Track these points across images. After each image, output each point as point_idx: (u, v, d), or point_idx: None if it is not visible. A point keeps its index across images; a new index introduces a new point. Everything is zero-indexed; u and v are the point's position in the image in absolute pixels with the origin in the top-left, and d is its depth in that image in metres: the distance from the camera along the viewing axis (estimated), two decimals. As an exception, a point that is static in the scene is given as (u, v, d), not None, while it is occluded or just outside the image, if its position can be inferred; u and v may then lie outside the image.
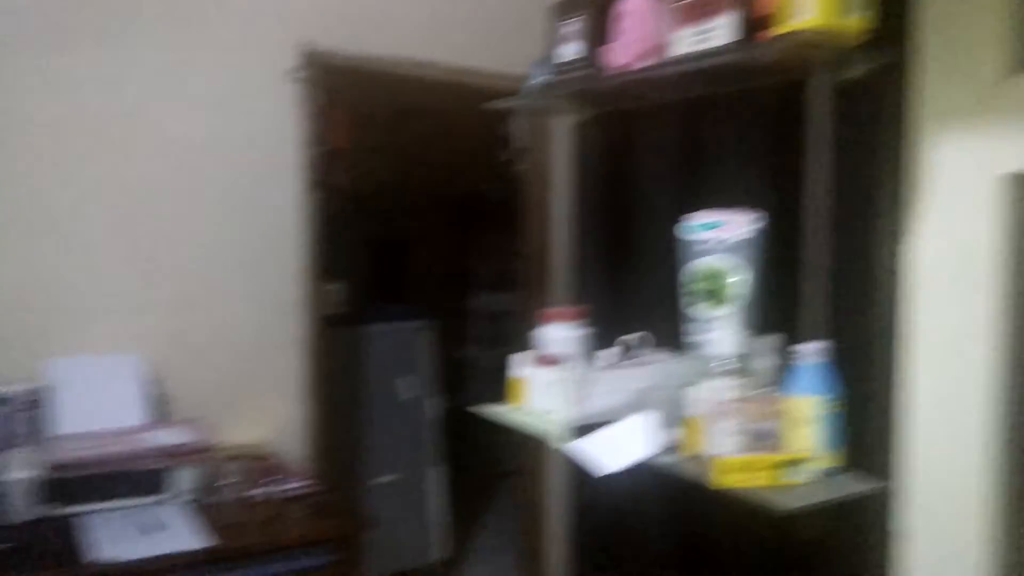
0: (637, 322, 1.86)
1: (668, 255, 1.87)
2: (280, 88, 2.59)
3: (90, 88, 2.33)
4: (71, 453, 2.00)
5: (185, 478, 2.12)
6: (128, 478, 2.05)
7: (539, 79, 1.92)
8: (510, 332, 5.20)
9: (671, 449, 1.37)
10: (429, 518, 3.50)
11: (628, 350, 1.65)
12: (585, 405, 1.46)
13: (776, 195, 1.66)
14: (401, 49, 2.77)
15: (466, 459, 4.81)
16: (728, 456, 1.26)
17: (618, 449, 1.41)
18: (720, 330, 1.36)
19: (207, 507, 2.09)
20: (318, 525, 2.05)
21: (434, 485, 3.51)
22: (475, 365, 5.09)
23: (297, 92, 2.60)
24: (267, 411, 2.64)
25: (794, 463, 1.24)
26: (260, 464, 2.39)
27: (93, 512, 2.01)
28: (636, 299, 2.05)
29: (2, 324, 2.25)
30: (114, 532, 1.92)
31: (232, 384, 2.58)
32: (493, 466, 5.15)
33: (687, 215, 1.59)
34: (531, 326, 3.16)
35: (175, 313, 2.48)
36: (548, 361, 1.71)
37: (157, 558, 1.80)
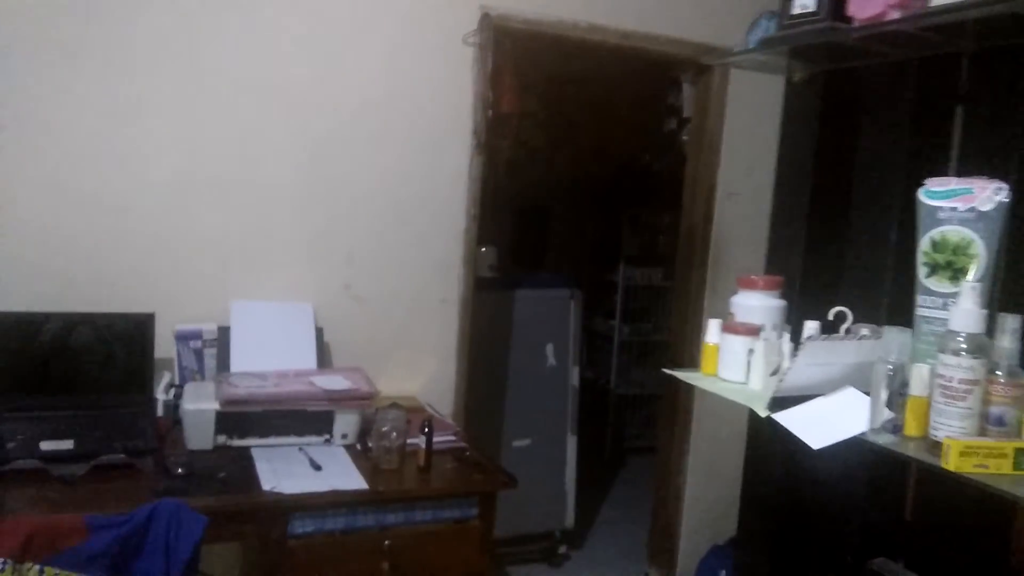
0: (847, 296, 1.79)
1: (890, 224, 1.79)
2: (456, 51, 2.62)
3: (276, 48, 2.45)
4: (248, 390, 2.14)
5: (349, 422, 2.22)
6: (297, 417, 2.18)
7: (760, 34, 1.81)
8: (652, 307, 5.16)
9: (886, 427, 1.29)
10: (563, 486, 3.53)
11: (838, 323, 1.57)
12: (789, 376, 1.40)
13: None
14: (575, 13, 2.74)
15: (597, 432, 4.84)
16: (962, 439, 1.17)
17: (829, 424, 1.34)
18: (957, 305, 1.26)
19: (366, 450, 2.19)
20: (467, 478, 2.11)
21: (571, 453, 3.53)
22: (610, 338, 5.06)
23: (472, 55, 2.63)
24: (422, 366, 2.73)
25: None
26: (415, 415, 2.48)
27: (264, 446, 2.15)
28: (849, 271, 1.95)
29: (197, 268, 2.44)
30: (283, 466, 2.04)
31: (391, 337, 2.68)
32: (621, 441, 5.15)
33: (924, 181, 1.47)
34: (690, 301, 3.10)
35: (344, 266, 2.59)
36: (746, 329, 1.65)
37: (322, 494, 1.90)
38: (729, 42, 2.97)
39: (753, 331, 1.65)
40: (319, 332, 2.51)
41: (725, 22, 2.98)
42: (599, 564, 3.56)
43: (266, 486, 1.89)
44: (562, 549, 3.56)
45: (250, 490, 1.87)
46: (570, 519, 3.55)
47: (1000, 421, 1.21)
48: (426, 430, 2.11)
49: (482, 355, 3.02)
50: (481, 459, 2.22)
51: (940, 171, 1.59)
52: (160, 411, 2.25)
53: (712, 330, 1.73)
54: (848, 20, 1.62)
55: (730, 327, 1.71)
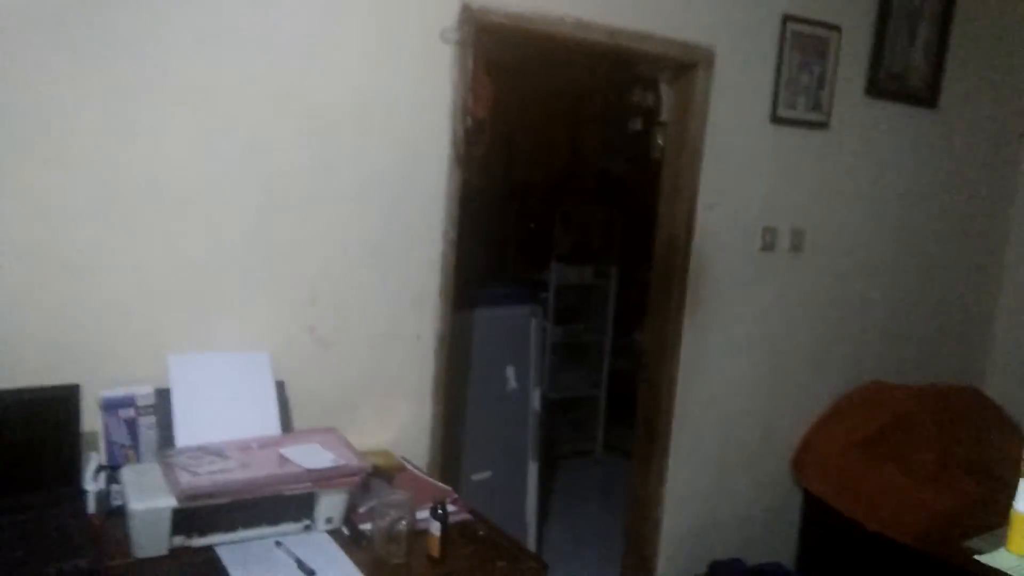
0: None
1: None
2: (432, 50, 2.23)
3: (229, 49, 1.97)
4: (212, 477, 1.71)
5: (335, 503, 1.84)
6: (271, 503, 1.77)
7: None
8: (583, 307, 4.94)
9: None
10: (524, 518, 3.26)
11: None
12: None
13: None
14: (562, 8, 2.40)
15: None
16: None
17: None
18: None
19: (356, 534, 1.82)
20: (490, 568, 1.78)
21: (532, 483, 3.26)
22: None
23: (451, 55, 2.24)
24: (395, 413, 2.36)
25: None
26: (403, 478, 2.12)
27: (233, 543, 1.74)
28: None
29: (125, 315, 1.94)
30: (263, 572, 1.65)
31: (361, 384, 2.29)
32: (551, 447, 4.91)
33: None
34: (669, 318, 2.86)
35: (305, 304, 2.17)
36: None
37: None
38: (715, 42, 2.77)
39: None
40: (280, 386, 2.08)
41: (712, 22, 2.76)
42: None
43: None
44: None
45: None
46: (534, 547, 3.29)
47: None
48: (439, 511, 1.76)
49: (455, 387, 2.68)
50: (498, 537, 1.90)
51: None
52: (92, 505, 1.77)
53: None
54: None
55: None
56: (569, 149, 4.70)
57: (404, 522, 1.75)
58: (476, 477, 3.11)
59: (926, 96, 3.42)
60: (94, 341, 1.91)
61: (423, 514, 1.86)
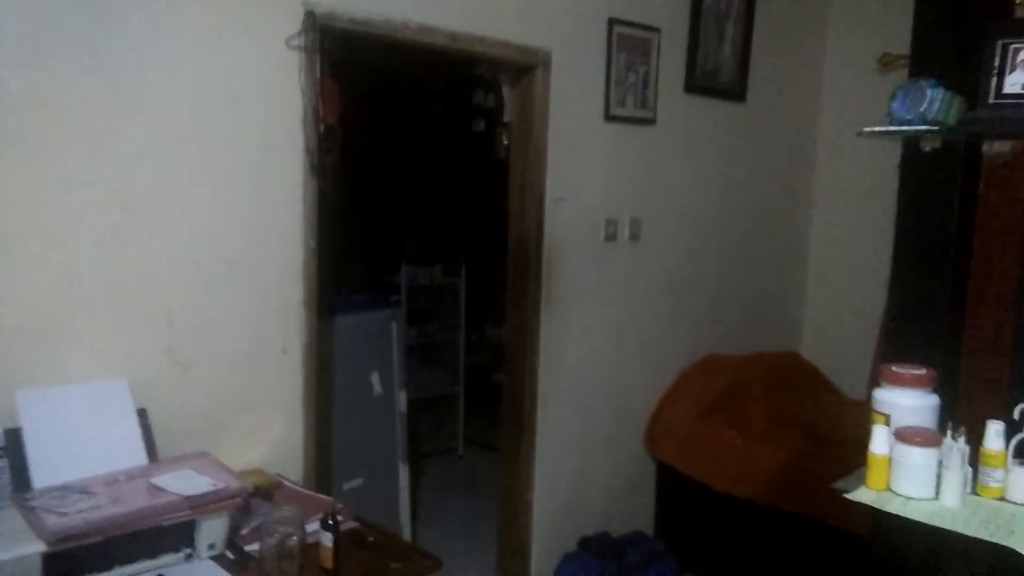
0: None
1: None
2: (277, 57, 2.19)
3: (62, 61, 1.85)
4: (83, 516, 1.61)
5: (216, 528, 1.79)
6: (148, 536, 1.69)
7: (928, 106, 1.69)
8: (434, 306, 4.98)
9: None
10: (399, 520, 3.27)
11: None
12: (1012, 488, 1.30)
13: None
14: (405, 13, 2.44)
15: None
16: None
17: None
18: None
19: (240, 557, 1.78)
20: (384, 571, 1.80)
21: (403, 484, 3.28)
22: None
23: (297, 61, 2.22)
24: (265, 430, 2.30)
25: None
26: (282, 494, 2.09)
27: (109, 582, 1.65)
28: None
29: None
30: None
31: (227, 404, 2.22)
32: (415, 447, 4.94)
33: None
34: (526, 313, 2.95)
35: (161, 325, 2.07)
36: (927, 439, 1.51)
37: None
38: (551, 45, 2.91)
39: (935, 440, 1.55)
40: (141, 414, 1.99)
41: (547, 26, 2.89)
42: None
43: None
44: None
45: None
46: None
47: None
48: (330, 522, 1.76)
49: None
50: (387, 540, 1.92)
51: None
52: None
53: (879, 439, 1.59)
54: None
55: (907, 436, 1.59)
56: (412, 152, 4.73)
57: (295, 537, 1.73)
58: (348, 485, 3.08)
59: (735, 91, 3.76)
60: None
61: (311, 527, 1.85)
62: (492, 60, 2.80)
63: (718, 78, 3.66)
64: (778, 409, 3.61)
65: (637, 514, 3.58)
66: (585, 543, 3.30)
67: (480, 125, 3.27)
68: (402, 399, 3.27)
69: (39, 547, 1.54)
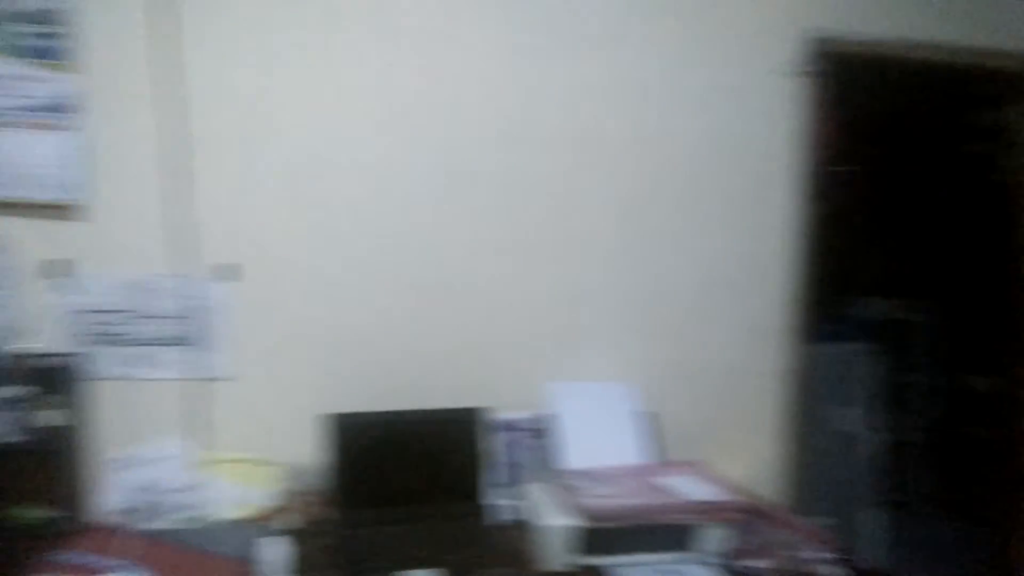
0: None
1: None
2: (777, 83, 2.24)
3: (586, 97, 2.14)
4: (614, 501, 1.82)
5: (717, 537, 1.87)
6: (656, 532, 1.84)
7: None
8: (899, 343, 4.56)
9: None
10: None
11: None
12: None
13: None
14: (915, 31, 2.31)
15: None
16: None
17: None
18: None
19: (742, 574, 1.83)
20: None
21: (877, 530, 3.07)
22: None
23: (796, 87, 2.24)
24: (748, 447, 2.35)
25: None
26: (773, 516, 2.11)
27: (618, 565, 1.83)
28: None
29: (507, 347, 2.15)
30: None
31: (717, 416, 2.32)
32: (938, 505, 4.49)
33: None
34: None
35: (666, 338, 2.25)
36: None
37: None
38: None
39: None
40: (651, 417, 2.18)
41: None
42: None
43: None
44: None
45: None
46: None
47: None
48: (842, 555, 1.72)
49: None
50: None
51: None
52: (490, 518, 1.96)
53: None
54: None
55: None
56: (891, 174, 4.43)
57: (799, 564, 1.73)
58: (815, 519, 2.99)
59: None
60: (479, 366, 2.13)
61: (806, 555, 1.83)
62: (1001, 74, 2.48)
63: None
64: None
65: None
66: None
67: (977, 145, 2.91)
68: (873, 439, 3.07)
69: (579, 522, 1.77)
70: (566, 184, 2.15)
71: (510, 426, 2.09)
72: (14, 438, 1.78)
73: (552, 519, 1.80)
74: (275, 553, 1.69)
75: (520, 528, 1.90)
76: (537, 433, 2.10)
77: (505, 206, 2.11)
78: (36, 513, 1.88)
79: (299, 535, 1.79)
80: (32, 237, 1.83)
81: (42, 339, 1.86)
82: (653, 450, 2.13)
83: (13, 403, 1.78)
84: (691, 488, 1.91)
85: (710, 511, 1.85)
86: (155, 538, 1.75)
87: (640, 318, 2.23)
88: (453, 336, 2.12)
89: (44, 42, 1.74)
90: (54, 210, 1.82)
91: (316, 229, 1.99)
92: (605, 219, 2.19)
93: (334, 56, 1.93)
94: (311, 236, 1.99)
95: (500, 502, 1.98)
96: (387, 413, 1.95)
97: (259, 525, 1.83)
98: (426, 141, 2.03)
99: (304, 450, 1.98)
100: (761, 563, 1.80)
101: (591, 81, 2.12)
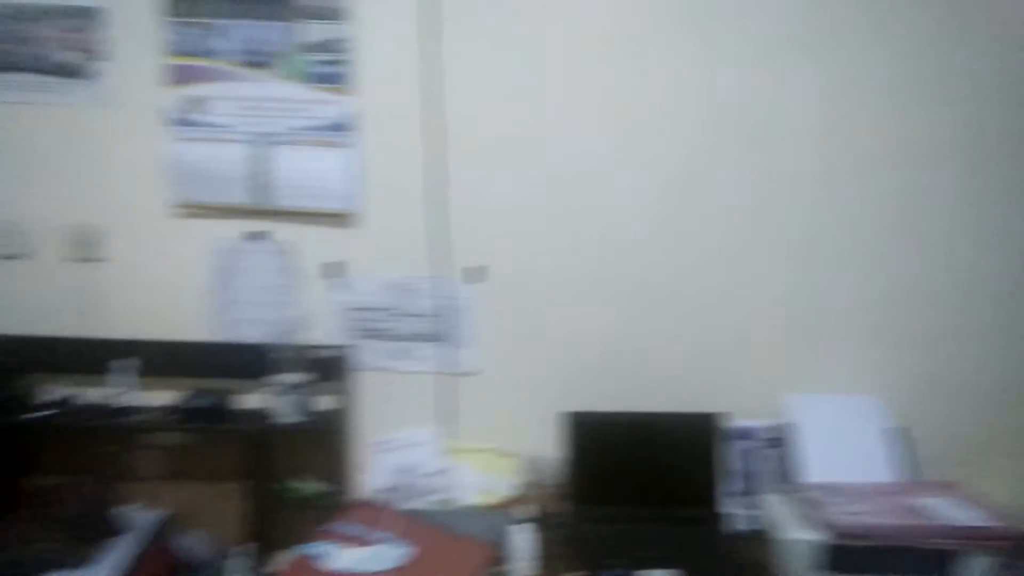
0: None
1: None
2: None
3: (840, 92, 2.05)
4: (850, 516, 1.74)
5: (979, 566, 1.73)
6: (912, 555, 1.73)
7: None
8: None
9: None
10: None
11: None
12: None
13: None
14: None
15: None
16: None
17: None
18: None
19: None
20: None
21: None
22: None
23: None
24: (1014, 470, 2.14)
25: None
26: None
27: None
28: None
29: (739, 354, 2.12)
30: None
31: (975, 436, 2.13)
32: None
33: None
34: None
35: (919, 350, 2.11)
36: None
37: None
38: None
39: None
40: (902, 432, 2.05)
41: None
42: None
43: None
44: None
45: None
46: None
47: None
48: None
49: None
50: None
51: None
52: (727, 527, 1.95)
53: None
54: None
55: None
56: None
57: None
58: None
59: None
60: (720, 373, 2.12)
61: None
62: None
63: None
64: None
65: None
66: None
67: None
68: None
69: (823, 537, 1.72)
70: (811, 185, 2.07)
71: (746, 434, 2.06)
72: (297, 419, 2.02)
73: (796, 532, 1.75)
74: (522, 540, 1.80)
75: (758, 538, 1.87)
76: (774, 443, 2.05)
77: (747, 207, 2.07)
78: (312, 487, 2.14)
79: (539, 525, 1.88)
80: (314, 242, 2.08)
81: (320, 332, 2.10)
82: (905, 468, 2.01)
83: (296, 388, 2.03)
84: (951, 511, 1.78)
85: (976, 537, 1.71)
86: (412, 516, 1.92)
87: (889, 327, 2.10)
88: (689, 340, 2.12)
89: (328, 68, 1.97)
90: (333, 218, 2.05)
91: (555, 234, 2.08)
92: (851, 220, 2.08)
93: (573, 68, 2.00)
94: (550, 240, 2.08)
95: (735, 510, 1.96)
96: (623, 414, 2.00)
97: (503, 512, 1.95)
98: (665, 147, 2.05)
99: (542, 444, 2.07)
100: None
101: (843, 77, 2.03)
